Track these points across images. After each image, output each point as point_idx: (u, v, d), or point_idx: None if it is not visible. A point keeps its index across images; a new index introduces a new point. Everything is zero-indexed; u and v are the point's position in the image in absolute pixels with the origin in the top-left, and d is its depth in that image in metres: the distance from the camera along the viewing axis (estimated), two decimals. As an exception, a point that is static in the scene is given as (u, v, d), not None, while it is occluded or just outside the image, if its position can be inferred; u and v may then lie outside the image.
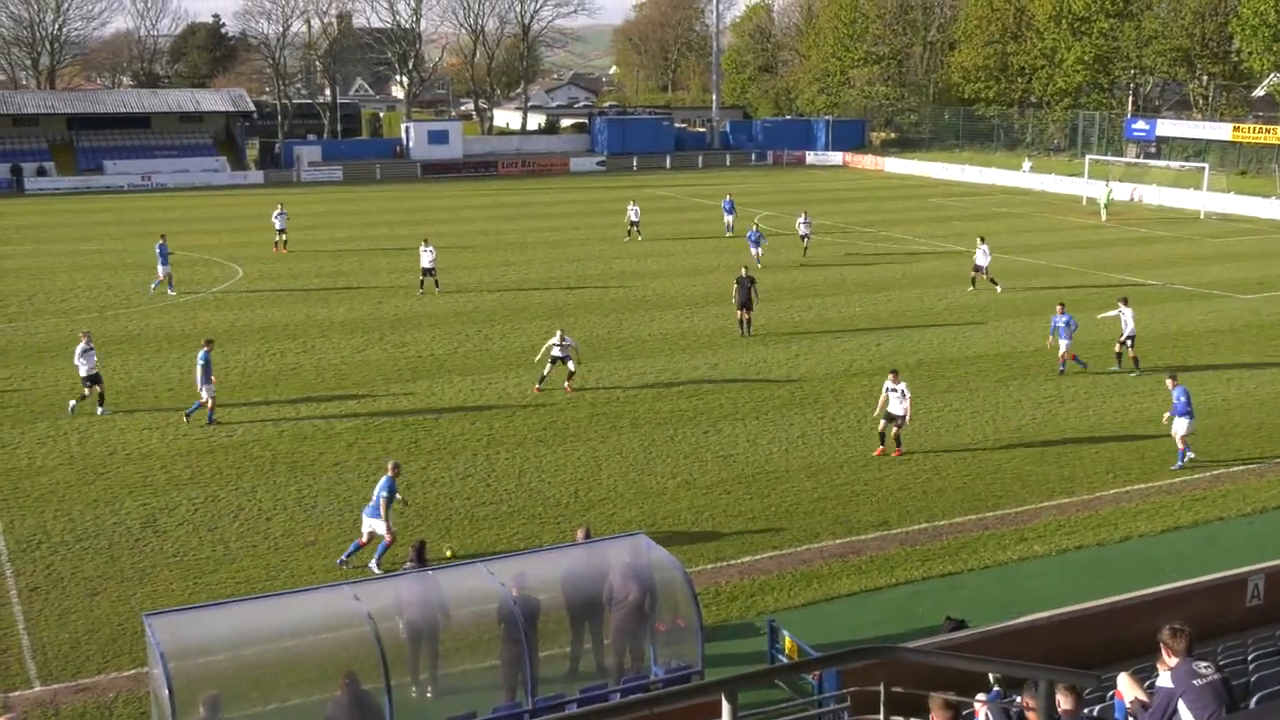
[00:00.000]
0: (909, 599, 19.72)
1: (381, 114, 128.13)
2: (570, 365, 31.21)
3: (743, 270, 38.91)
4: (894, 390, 26.05)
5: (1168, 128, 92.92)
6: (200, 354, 28.56)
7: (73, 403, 29.49)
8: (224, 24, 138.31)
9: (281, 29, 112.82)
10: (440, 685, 16.20)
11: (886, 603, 19.61)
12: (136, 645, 17.64)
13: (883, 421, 26.55)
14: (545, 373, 31.20)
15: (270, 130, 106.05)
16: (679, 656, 16.53)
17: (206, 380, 28.28)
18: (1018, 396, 30.88)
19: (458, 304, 42.83)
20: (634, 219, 58.41)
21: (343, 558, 20.84)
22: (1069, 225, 65.37)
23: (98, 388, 29.44)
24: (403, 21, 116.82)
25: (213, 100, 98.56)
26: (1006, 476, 25.20)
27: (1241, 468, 25.76)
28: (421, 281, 44.54)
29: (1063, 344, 33.00)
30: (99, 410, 29.27)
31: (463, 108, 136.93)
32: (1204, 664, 10.54)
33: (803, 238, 52.59)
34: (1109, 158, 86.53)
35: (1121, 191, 74.59)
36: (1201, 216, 69.62)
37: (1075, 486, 24.61)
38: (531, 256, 53.33)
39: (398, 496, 21.12)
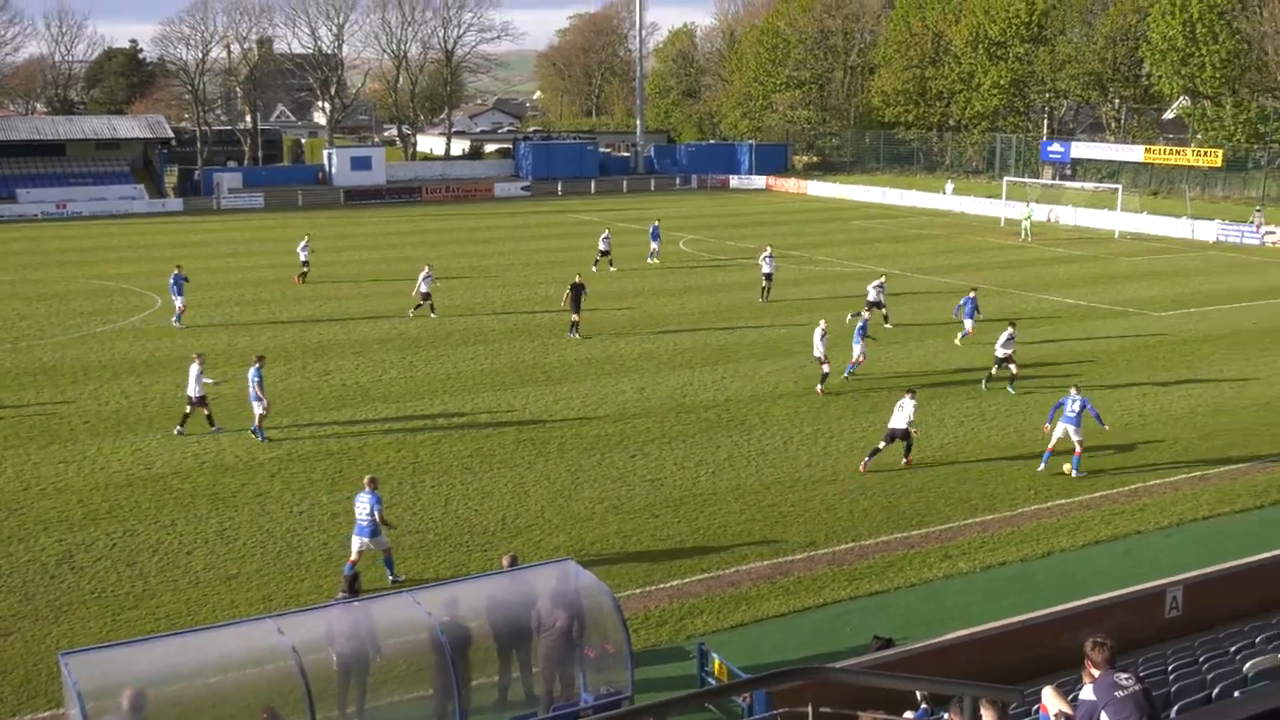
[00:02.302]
0: (837, 619, 19.81)
1: (303, 140, 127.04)
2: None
3: (576, 277, 42.16)
4: (900, 404, 26.95)
5: (1082, 150, 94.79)
6: (252, 371, 29.23)
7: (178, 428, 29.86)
8: (142, 49, 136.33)
9: (201, 55, 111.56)
10: (368, 718, 15.98)
11: (815, 623, 19.69)
12: (52, 685, 17.23)
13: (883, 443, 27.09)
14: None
15: (189, 157, 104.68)
16: (609, 682, 16.45)
17: (258, 397, 29.08)
18: (940, 415, 31.22)
19: (381, 331, 42.51)
20: (604, 249, 56.70)
21: (348, 572, 20.51)
22: (988, 246, 66.34)
23: (204, 409, 30.02)
24: (325, 47, 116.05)
25: (130, 127, 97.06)
26: (931, 495, 25.44)
27: (1158, 481, 26.22)
28: (417, 305, 45.23)
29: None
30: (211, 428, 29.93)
31: (386, 133, 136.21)
32: (1125, 675, 10.68)
33: (766, 276, 48.12)
34: (1026, 179, 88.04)
35: (1039, 212, 75.84)
36: (1116, 236, 71.00)
37: (998, 503, 24.90)
38: (456, 283, 53.10)
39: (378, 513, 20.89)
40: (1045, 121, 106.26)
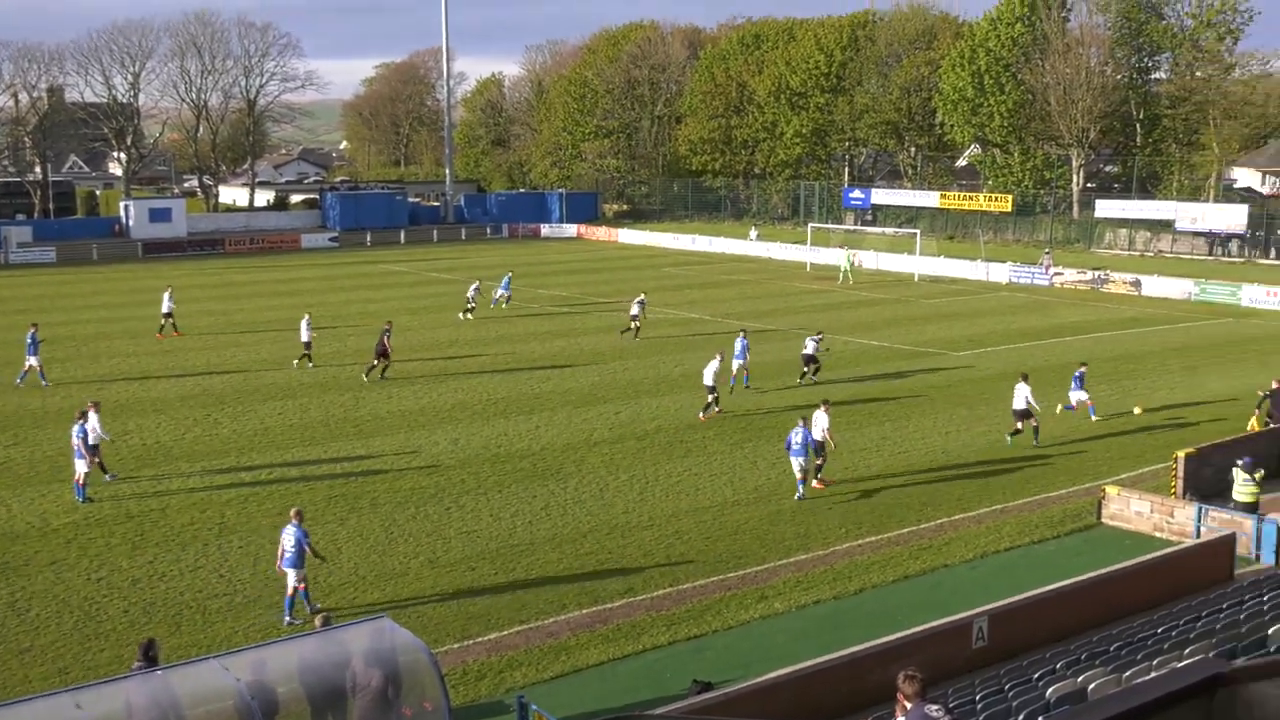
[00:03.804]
0: (656, 665, 19.84)
1: (98, 191, 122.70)
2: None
3: (387, 323, 43.93)
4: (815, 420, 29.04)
5: (882, 196, 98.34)
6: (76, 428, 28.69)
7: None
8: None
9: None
10: (172, 792, 15.28)
11: (634, 670, 19.68)
12: None
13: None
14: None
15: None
16: (427, 741, 16.10)
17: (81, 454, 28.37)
18: (753, 457, 31.71)
19: (184, 388, 41.17)
20: (504, 291, 59.25)
21: (288, 618, 21.07)
22: (795, 290, 67.96)
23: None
24: (120, 96, 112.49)
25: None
26: (746, 536, 25.77)
27: (962, 515, 27.10)
28: (300, 357, 44.70)
29: (1076, 396, 36.04)
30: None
31: (186, 184, 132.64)
32: (935, 707, 10.96)
33: (633, 318, 50.55)
34: (830, 225, 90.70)
35: (855, 258, 78.08)
36: (916, 279, 73.52)
37: (810, 542, 25.36)
38: (263, 336, 51.86)
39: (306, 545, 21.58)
40: (846, 169, 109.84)
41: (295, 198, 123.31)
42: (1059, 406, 36.41)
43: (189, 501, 28.31)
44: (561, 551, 24.91)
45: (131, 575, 23.50)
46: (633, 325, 50.44)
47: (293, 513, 22.17)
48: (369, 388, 40.85)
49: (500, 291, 59.95)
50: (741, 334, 41.54)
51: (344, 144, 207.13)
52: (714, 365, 36.45)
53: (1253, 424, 33.40)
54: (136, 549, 24.98)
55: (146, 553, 24.75)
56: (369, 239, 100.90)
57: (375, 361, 42.21)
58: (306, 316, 46.30)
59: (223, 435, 34.61)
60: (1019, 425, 33.14)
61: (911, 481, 29.62)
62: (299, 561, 21.49)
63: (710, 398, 36.48)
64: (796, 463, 28.32)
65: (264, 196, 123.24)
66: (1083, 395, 36.09)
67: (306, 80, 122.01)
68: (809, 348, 41.50)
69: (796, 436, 28.43)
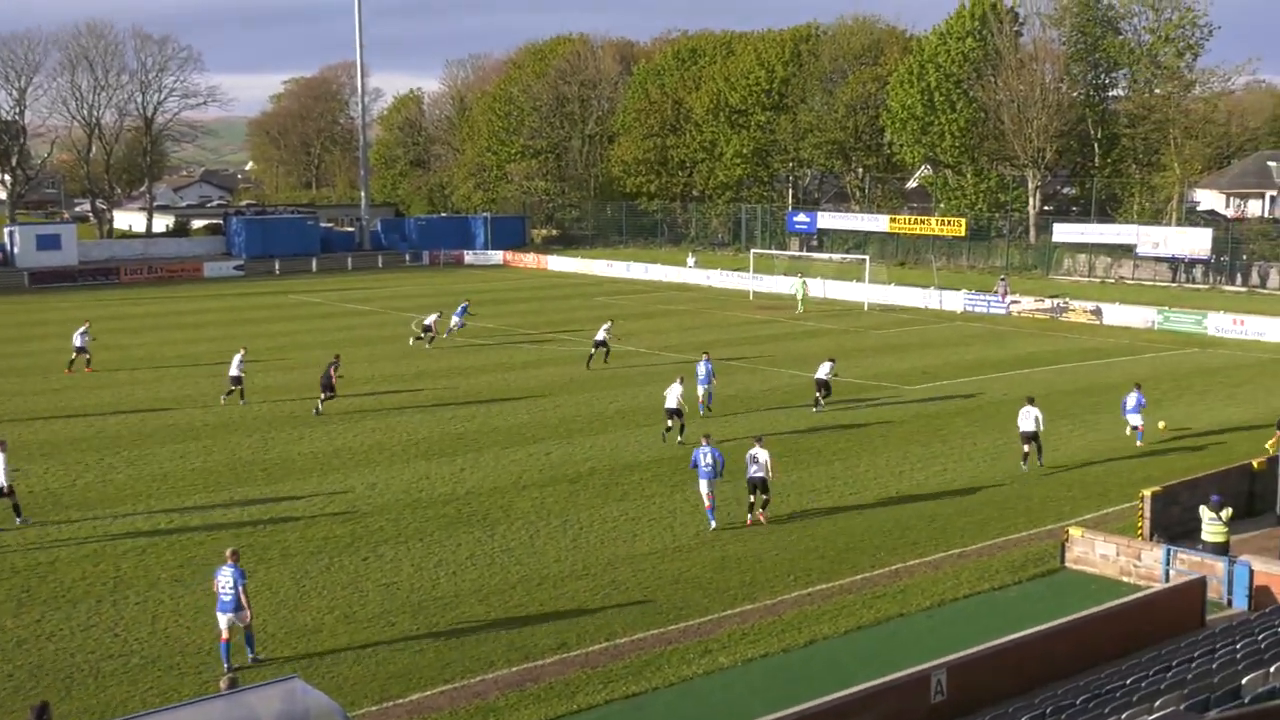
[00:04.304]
0: (593, 726, 19.70)
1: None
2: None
3: (335, 355, 45.14)
4: (754, 457, 29.59)
5: (828, 220, 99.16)
6: None
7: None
8: None
9: None
10: None
11: (569, 732, 19.52)
12: None
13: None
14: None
15: None
16: (343, 813, 15.86)
17: None
18: (694, 500, 31.64)
19: (75, 429, 40.51)
20: (458, 322, 60.03)
21: (227, 668, 20.98)
22: (737, 320, 68.26)
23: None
24: (3, 114, 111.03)
25: None
26: (688, 586, 25.72)
27: (918, 561, 27.23)
28: (229, 391, 44.69)
29: (1133, 419, 38.00)
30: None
31: (78, 209, 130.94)
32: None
33: (597, 345, 52.22)
34: (774, 251, 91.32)
35: (786, 284, 78.49)
36: (865, 308, 74.16)
37: (757, 591, 25.35)
38: (163, 373, 51.21)
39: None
40: (790, 191, 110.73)
41: (197, 223, 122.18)
42: (1127, 429, 38.66)
43: (80, 554, 27.79)
44: (488, 604, 24.72)
45: (17, 635, 23.01)
46: (593, 352, 52.16)
47: (228, 554, 22.21)
48: (278, 427, 40.45)
49: (455, 320, 60.58)
50: (704, 357, 42.95)
51: (250, 165, 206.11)
52: (677, 389, 37.88)
53: (1270, 445, 34.56)
54: (22, 606, 24.47)
55: (33, 610, 24.24)
56: (278, 267, 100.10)
57: (322, 395, 42.98)
58: (242, 350, 46.06)
59: (118, 481, 34.07)
60: (1026, 449, 34.90)
61: (864, 525, 29.74)
62: (238, 604, 21.61)
63: (670, 423, 37.86)
64: (706, 487, 29.33)
65: (163, 222, 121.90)
66: (1137, 419, 37.98)
67: (209, 96, 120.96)
68: (822, 372, 43.42)
69: (706, 457, 29.29)
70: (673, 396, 37.77)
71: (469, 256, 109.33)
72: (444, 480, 34.02)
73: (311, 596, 25.15)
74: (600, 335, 52.55)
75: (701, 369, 42.23)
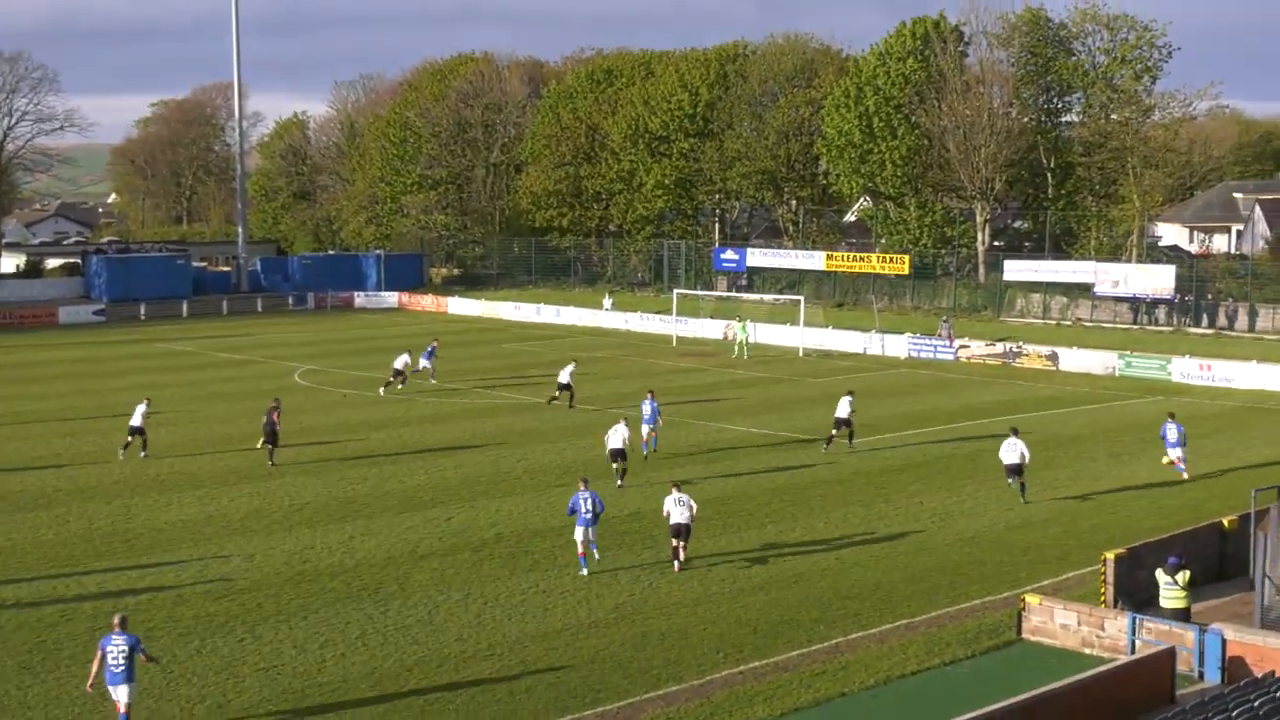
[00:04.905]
0: (499, 826, 19.44)
1: None
2: None
3: (274, 400, 45.46)
4: (679, 501, 31.18)
5: (759, 258, 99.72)
6: None
7: None
8: None
9: None
10: None
11: (472, 834, 19.24)
12: None
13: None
14: None
15: None
16: None
17: None
18: (613, 568, 31.55)
19: (-91, 497, 39.63)
20: (427, 362, 62.43)
21: None
22: (660, 369, 68.36)
23: None
24: None
25: None
26: (606, 665, 25.54)
27: (861, 634, 27.25)
28: (127, 443, 44.81)
29: (1173, 453, 40.47)
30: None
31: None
32: None
33: (561, 388, 54.75)
34: (699, 292, 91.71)
35: (715, 328, 78.76)
36: (801, 354, 74.62)
37: (683, 671, 25.22)
38: (10, 432, 50.32)
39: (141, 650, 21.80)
40: (717, 226, 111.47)
41: (52, 262, 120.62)
42: (1165, 460, 40.74)
43: (-87, 640, 27.08)
44: (381, 688, 24.39)
45: None
46: (555, 395, 54.85)
47: (116, 620, 21.97)
48: (142, 492, 39.83)
49: (424, 363, 62.11)
50: (649, 396, 45.51)
51: (113, 197, 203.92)
52: (622, 430, 39.89)
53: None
54: None
55: None
56: (143, 312, 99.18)
57: (268, 446, 43.87)
58: (145, 401, 45.80)
59: (-43, 556, 33.32)
60: (1011, 481, 37.95)
61: (800, 595, 29.73)
62: (132, 674, 21.54)
63: (616, 465, 39.97)
64: (583, 533, 30.75)
65: (12, 261, 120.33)
66: (1178, 453, 40.11)
67: (66, 120, 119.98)
68: (843, 410, 45.08)
69: (586, 503, 30.68)
70: (617, 437, 39.56)
71: (360, 299, 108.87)
72: (331, 550, 33.62)
73: (180, 684, 24.65)
74: (564, 378, 54.68)
75: (646, 408, 44.57)
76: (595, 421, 50.71)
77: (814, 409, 54.83)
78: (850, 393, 46.55)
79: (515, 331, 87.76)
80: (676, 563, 31.33)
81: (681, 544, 31.38)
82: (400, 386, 59.36)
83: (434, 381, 62.07)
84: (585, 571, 30.94)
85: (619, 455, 39.88)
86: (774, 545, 33.94)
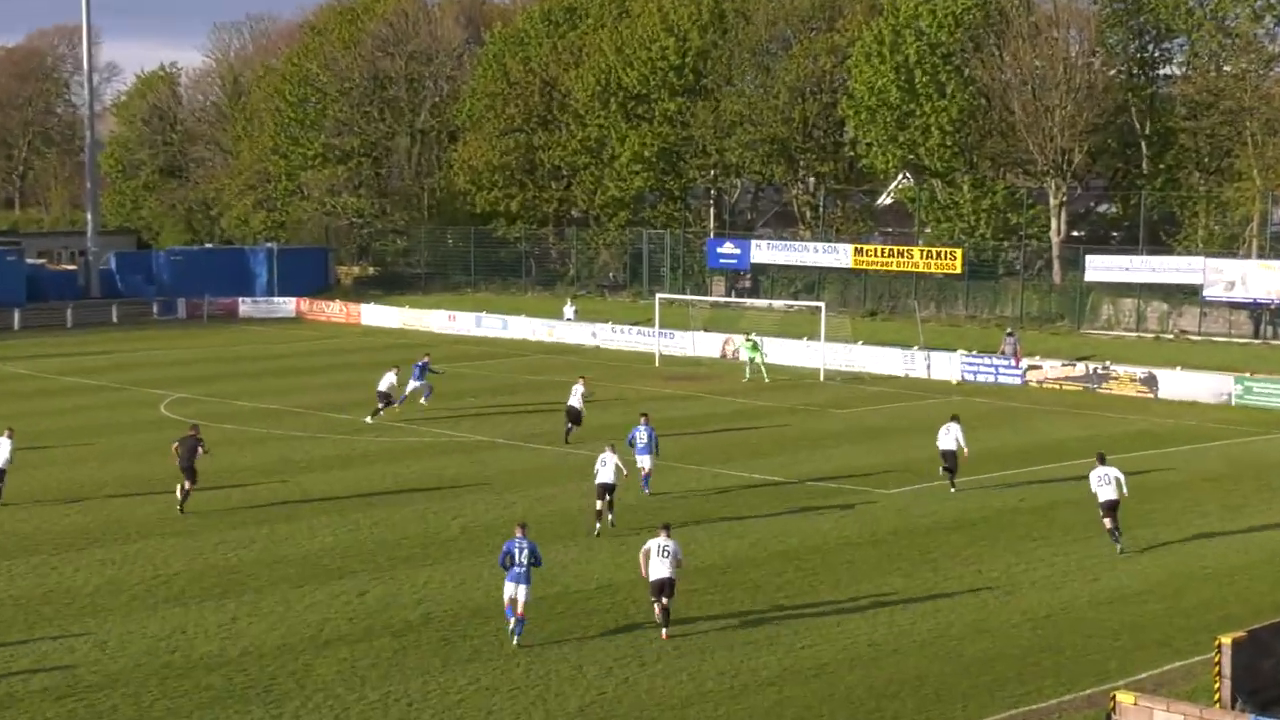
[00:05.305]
0: None
1: None
2: None
3: (192, 426, 47.03)
4: (663, 549, 32.27)
5: (766, 252, 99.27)
6: None
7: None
8: None
9: None
10: None
11: None
12: None
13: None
14: None
15: None
16: None
17: None
18: (575, 659, 31.42)
19: None
20: (417, 382, 63.46)
21: None
22: (642, 395, 68.16)
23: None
24: None
25: None
26: (568, 785, 25.42)
27: (902, 743, 27.21)
28: None
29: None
30: None
31: None
32: None
33: (572, 413, 55.94)
34: (688, 296, 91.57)
35: (710, 343, 78.60)
36: (822, 377, 74.48)
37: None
38: None
39: None
40: (712, 211, 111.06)
41: None
42: None
43: None
44: (274, 818, 24.27)
45: None
46: (570, 426, 56.09)
47: None
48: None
49: (413, 383, 63.07)
50: (643, 420, 47.28)
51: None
52: (611, 459, 41.61)
53: None
54: None
55: None
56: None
57: (186, 486, 45.05)
58: (8, 432, 46.11)
59: None
60: (1108, 523, 39.36)
61: (823, 691, 29.59)
62: None
63: (600, 504, 41.74)
64: (514, 590, 31.92)
65: None
66: None
67: None
68: (947, 440, 47.29)
69: (521, 554, 31.97)
70: (607, 469, 41.21)
71: (246, 306, 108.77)
72: (208, 635, 33.45)
73: (7, 813, 24.51)
74: (575, 401, 56.23)
75: (642, 434, 46.07)
76: (549, 464, 50.58)
77: (836, 448, 54.87)
78: (955, 417, 47.89)
79: (447, 348, 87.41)
80: (664, 630, 32.12)
81: (665, 602, 32.18)
82: (395, 408, 60.80)
83: (425, 402, 63.16)
84: (516, 641, 31.84)
85: (608, 490, 41.48)
86: (789, 624, 33.81)
